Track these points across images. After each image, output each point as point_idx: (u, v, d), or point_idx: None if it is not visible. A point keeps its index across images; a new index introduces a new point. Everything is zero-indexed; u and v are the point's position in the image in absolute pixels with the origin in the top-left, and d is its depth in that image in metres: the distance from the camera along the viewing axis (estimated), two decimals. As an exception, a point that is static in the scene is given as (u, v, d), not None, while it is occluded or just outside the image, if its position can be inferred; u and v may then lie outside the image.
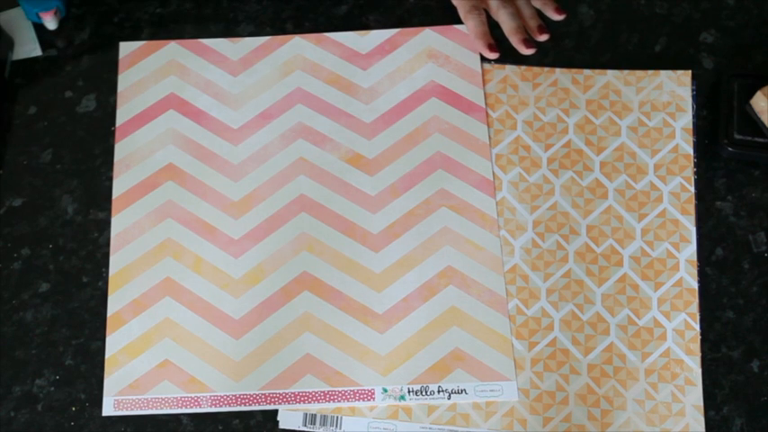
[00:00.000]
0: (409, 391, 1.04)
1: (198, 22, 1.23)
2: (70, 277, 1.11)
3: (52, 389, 1.06)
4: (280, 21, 1.23)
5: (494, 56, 1.17)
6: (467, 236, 1.11)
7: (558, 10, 1.19)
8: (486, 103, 1.17)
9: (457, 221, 1.11)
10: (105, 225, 1.13)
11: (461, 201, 1.12)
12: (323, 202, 1.13)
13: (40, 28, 1.23)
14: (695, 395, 1.04)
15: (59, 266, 1.11)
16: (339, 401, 1.04)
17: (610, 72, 1.18)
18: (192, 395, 1.05)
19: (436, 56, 1.20)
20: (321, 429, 1.04)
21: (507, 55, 1.20)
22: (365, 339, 1.07)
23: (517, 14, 1.18)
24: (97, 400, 1.05)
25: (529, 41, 1.17)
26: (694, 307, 1.08)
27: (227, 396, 1.04)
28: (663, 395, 1.04)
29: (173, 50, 1.21)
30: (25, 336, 1.08)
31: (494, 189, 1.13)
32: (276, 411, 1.05)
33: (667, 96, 1.16)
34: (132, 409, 1.04)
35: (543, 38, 1.18)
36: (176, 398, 1.05)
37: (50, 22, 1.21)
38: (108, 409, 1.05)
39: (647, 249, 1.10)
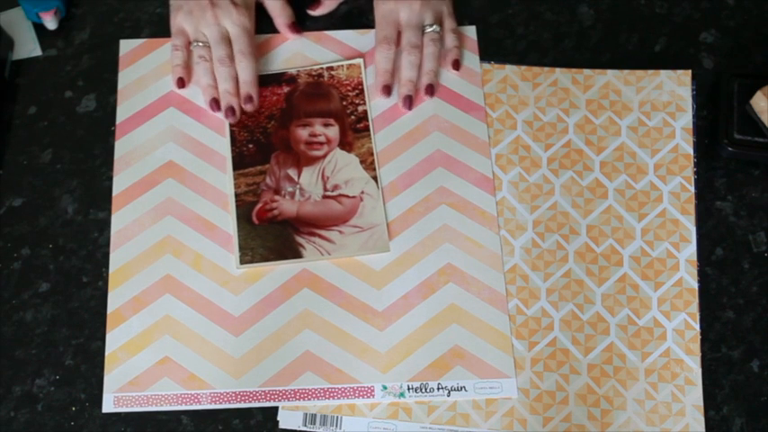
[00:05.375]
0: (409, 389, 1.04)
1: (198, 22, 1.23)
2: (70, 277, 1.11)
3: (52, 389, 1.06)
4: (280, 21, 1.23)
5: (385, 97, 1.17)
6: (466, 233, 1.11)
7: (457, 65, 1.19)
8: (485, 103, 1.17)
9: (457, 219, 1.12)
10: (105, 225, 1.13)
11: (461, 198, 1.12)
12: (322, 200, 1.14)
13: (40, 28, 1.23)
14: (695, 395, 1.04)
15: (59, 266, 1.11)
16: (339, 398, 1.04)
17: (610, 72, 1.18)
18: (192, 392, 1.05)
19: (436, 55, 1.20)
20: (321, 429, 1.04)
21: (507, 55, 1.20)
22: (365, 337, 1.07)
23: (417, 66, 1.17)
24: (97, 400, 1.05)
25: (406, 99, 1.17)
26: (694, 307, 1.07)
27: (227, 393, 1.04)
28: (663, 395, 1.04)
29: (173, 48, 1.21)
30: (25, 336, 1.08)
31: (493, 187, 1.13)
32: (276, 411, 1.04)
33: (667, 96, 1.16)
34: (132, 406, 1.04)
35: (426, 98, 1.17)
36: (176, 395, 1.05)
37: (50, 22, 1.21)
38: (108, 406, 1.04)
39: (647, 249, 1.10)
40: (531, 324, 1.07)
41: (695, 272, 1.09)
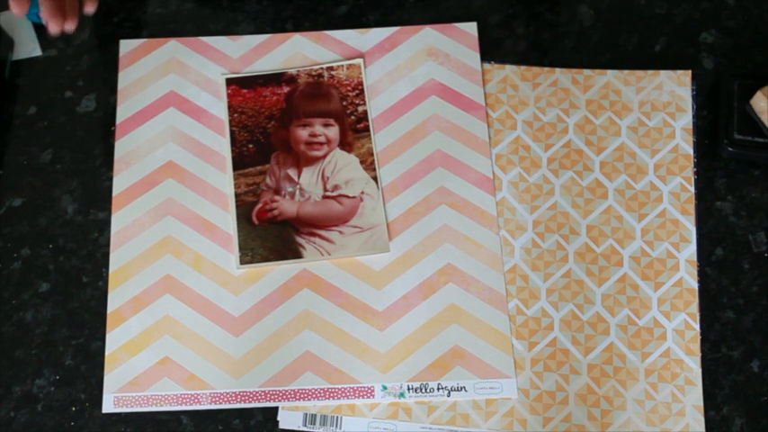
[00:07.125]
0: (409, 389, 1.04)
1: (198, 22, 1.23)
2: (70, 277, 1.11)
3: (52, 389, 1.06)
4: (280, 21, 1.23)
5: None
6: (466, 233, 1.11)
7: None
8: (486, 103, 1.17)
9: (457, 219, 1.11)
10: (105, 225, 1.13)
11: (461, 198, 1.12)
12: (323, 200, 1.14)
13: (40, 28, 1.23)
14: (695, 395, 1.04)
15: (59, 266, 1.11)
16: (339, 399, 1.04)
17: (610, 72, 1.18)
18: (192, 392, 1.05)
19: (436, 54, 1.20)
20: (321, 429, 1.04)
21: (507, 55, 1.20)
22: (365, 337, 1.07)
23: None
24: (97, 400, 1.05)
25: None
26: (694, 307, 1.07)
27: (227, 393, 1.04)
28: (663, 395, 1.04)
29: (173, 48, 1.21)
30: (25, 336, 1.08)
31: (493, 187, 1.13)
32: (276, 411, 1.04)
33: (667, 96, 1.16)
34: (132, 406, 1.04)
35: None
36: (176, 395, 1.05)
37: (51, 23, 1.21)
38: (108, 406, 1.05)
39: (647, 249, 1.10)
40: (531, 324, 1.07)
41: (695, 272, 1.09)
